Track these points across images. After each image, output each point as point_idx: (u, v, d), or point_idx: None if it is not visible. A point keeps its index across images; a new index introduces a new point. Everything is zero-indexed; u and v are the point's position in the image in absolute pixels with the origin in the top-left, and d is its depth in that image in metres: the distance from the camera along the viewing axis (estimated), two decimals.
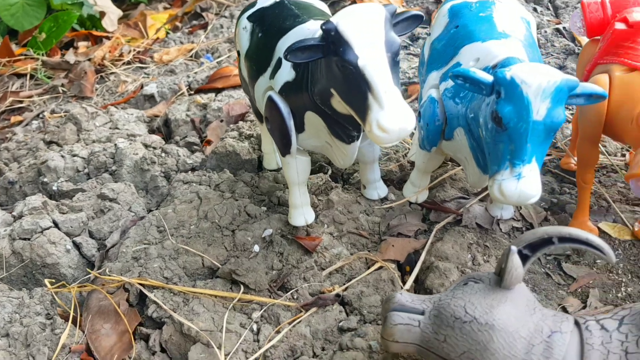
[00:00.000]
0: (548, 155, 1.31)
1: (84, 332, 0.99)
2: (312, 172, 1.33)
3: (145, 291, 1.02)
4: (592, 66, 1.01)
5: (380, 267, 1.04)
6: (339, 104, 0.86)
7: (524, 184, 0.75)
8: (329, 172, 1.30)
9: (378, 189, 1.18)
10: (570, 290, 0.99)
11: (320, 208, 1.18)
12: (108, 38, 2.40)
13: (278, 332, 0.95)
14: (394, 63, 0.79)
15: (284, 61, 0.96)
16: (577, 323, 0.69)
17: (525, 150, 0.75)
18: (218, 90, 1.81)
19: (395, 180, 1.27)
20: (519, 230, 1.12)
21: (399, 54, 0.80)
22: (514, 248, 0.68)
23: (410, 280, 1.01)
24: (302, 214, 1.11)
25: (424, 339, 0.71)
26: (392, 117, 0.74)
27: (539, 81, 0.72)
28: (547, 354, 0.65)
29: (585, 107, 0.96)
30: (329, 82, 0.83)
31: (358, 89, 0.77)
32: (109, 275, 1.06)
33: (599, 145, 1.01)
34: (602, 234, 1.08)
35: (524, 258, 0.71)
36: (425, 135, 1.02)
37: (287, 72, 0.95)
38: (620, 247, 1.06)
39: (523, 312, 0.68)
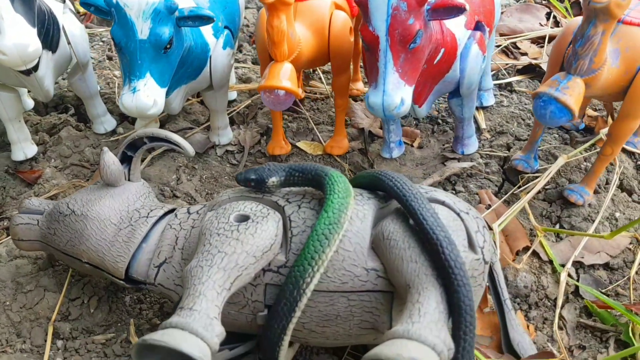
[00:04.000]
0: None
1: None
2: (61, 112, 1.39)
3: None
4: None
5: None
6: None
7: (138, 96, 0.85)
8: (71, 111, 1.37)
9: (104, 124, 1.26)
10: None
11: (50, 144, 1.25)
12: None
13: None
14: None
15: None
16: (173, 211, 0.81)
17: (137, 66, 0.85)
18: None
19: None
20: (231, 153, 1.24)
21: None
22: (105, 149, 0.79)
23: None
24: (21, 149, 1.17)
25: (42, 235, 0.81)
26: (9, 40, 0.82)
27: (139, 3, 0.82)
28: (130, 235, 0.76)
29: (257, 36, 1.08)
30: None
31: None
32: None
33: None
34: (300, 150, 1.23)
35: (129, 158, 0.82)
36: None
37: None
38: (312, 160, 1.20)
39: (120, 204, 0.79)
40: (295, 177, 0.75)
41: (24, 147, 1.17)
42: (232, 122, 1.35)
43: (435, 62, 0.93)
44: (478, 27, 1.02)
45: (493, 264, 0.82)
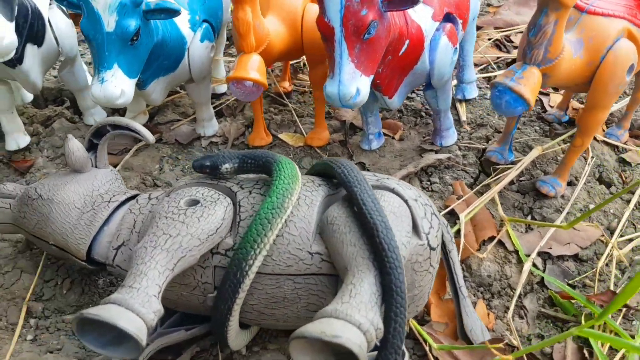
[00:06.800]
0: None
1: None
2: (58, 104, 1.44)
3: None
4: None
5: None
6: None
7: (106, 86, 0.88)
8: (67, 103, 1.42)
9: (94, 115, 1.31)
10: None
11: (44, 135, 1.30)
12: None
13: None
14: None
15: None
16: (135, 197, 0.84)
17: (105, 57, 0.88)
18: None
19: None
20: (215, 144, 1.27)
21: None
22: (69, 136, 0.82)
23: None
24: (14, 139, 1.22)
25: (14, 217, 0.85)
26: None
27: None
28: (92, 218, 0.79)
29: None
30: None
31: None
32: None
33: None
34: (282, 142, 1.25)
35: (95, 146, 0.86)
36: None
37: None
38: (292, 153, 1.23)
39: (85, 189, 0.82)
40: (248, 164, 0.78)
41: (17, 138, 1.22)
42: (221, 114, 1.39)
43: (400, 53, 0.94)
44: (449, 19, 1.03)
45: (450, 251, 0.83)
